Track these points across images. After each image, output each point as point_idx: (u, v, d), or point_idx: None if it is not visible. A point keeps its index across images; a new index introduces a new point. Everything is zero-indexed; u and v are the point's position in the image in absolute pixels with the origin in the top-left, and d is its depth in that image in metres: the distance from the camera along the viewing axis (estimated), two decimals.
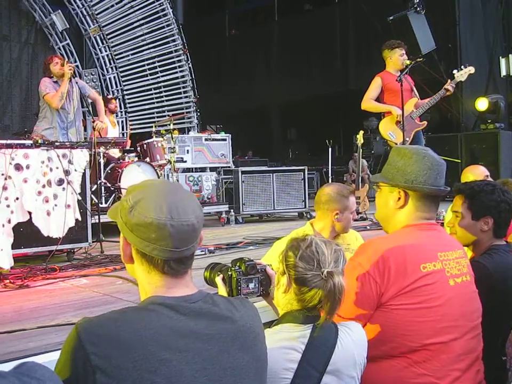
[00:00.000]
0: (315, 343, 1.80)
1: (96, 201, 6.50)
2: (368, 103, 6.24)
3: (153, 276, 1.46)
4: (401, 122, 6.00)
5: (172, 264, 1.44)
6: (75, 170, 5.25)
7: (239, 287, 2.05)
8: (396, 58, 6.19)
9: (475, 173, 4.77)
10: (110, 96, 9.63)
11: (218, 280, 2.09)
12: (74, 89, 6.47)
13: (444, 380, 2.03)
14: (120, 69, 12.77)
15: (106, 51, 12.69)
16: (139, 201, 1.43)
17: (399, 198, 2.25)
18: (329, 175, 11.73)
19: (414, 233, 2.22)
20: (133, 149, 8.07)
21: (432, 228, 2.25)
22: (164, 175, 8.47)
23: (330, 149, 11.42)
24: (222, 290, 2.06)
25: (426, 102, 6.21)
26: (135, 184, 1.53)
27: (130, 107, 12.88)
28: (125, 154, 7.65)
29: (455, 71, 6.34)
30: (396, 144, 6.07)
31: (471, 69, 6.24)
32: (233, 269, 2.07)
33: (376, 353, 2.06)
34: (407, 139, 6.02)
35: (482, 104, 10.97)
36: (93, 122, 6.22)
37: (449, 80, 6.25)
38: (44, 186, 5.00)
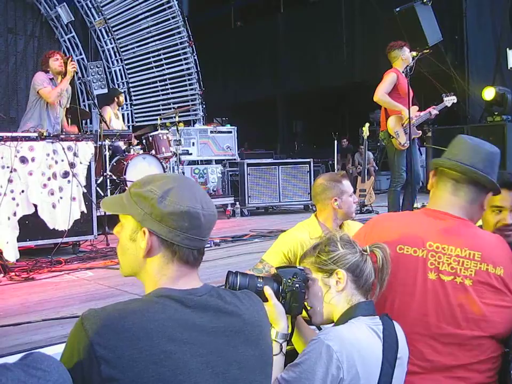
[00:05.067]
0: (386, 338, 1.75)
1: (102, 193, 6.51)
2: (383, 97, 6.17)
3: (171, 267, 1.45)
4: (408, 124, 6.09)
5: (195, 254, 1.46)
6: (80, 162, 5.25)
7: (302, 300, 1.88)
8: (407, 56, 6.23)
9: None
10: (124, 90, 9.64)
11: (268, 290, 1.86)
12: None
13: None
14: (126, 62, 12.74)
15: (111, 43, 12.66)
16: (170, 191, 1.43)
17: None
18: (335, 167, 11.71)
19: (416, 216, 2.18)
20: (138, 141, 8.07)
21: (441, 216, 2.09)
22: (170, 167, 8.47)
23: (336, 142, 11.40)
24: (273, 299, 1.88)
25: (422, 114, 6.34)
26: (149, 176, 1.51)
27: (135, 99, 12.85)
28: (130, 146, 7.64)
29: (443, 95, 6.60)
30: (400, 144, 6.13)
31: (454, 99, 6.54)
32: (294, 279, 1.87)
33: None
34: (408, 142, 6.12)
35: (489, 93, 10.88)
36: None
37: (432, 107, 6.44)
38: (49, 179, 5.00)
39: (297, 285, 1.86)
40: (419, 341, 1.96)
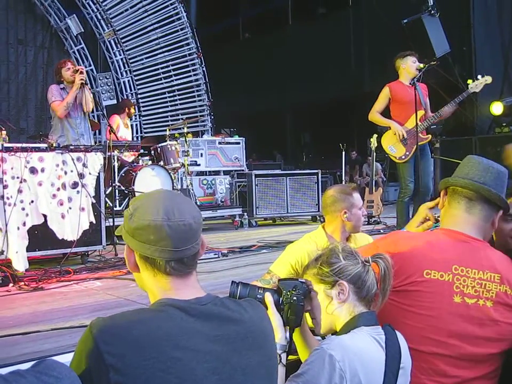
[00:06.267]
0: (388, 348, 1.75)
1: (111, 204, 6.54)
2: (374, 115, 6.25)
3: (160, 279, 1.49)
4: (404, 137, 6.01)
5: (173, 265, 1.47)
6: (89, 173, 5.29)
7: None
8: (409, 65, 6.10)
9: None
10: (133, 101, 9.77)
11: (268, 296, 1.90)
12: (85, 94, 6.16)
13: None
14: (134, 73, 12.83)
15: (120, 55, 12.76)
16: (138, 208, 1.50)
17: None
18: (343, 178, 11.71)
19: (436, 237, 2.17)
20: (146, 152, 8.11)
21: (462, 238, 2.11)
22: (178, 178, 8.50)
23: (344, 153, 11.41)
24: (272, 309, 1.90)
25: (433, 115, 6.10)
26: (136, 196, 1.59)
27: (144, 110, 12.93)
28: (139, 157, 7.68)
29: (470, 81, 6.06)
30: (396, 158, 6.09)
31: (488, 79, 5.96)
32: (293, 291, 1.88)
33: None
34: (408, 153, 6.01)
35: (497, 108, 10.89)
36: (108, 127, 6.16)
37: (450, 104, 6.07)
38: (58, 189, 5.04)
39: (295, 298, 1.87)
40: (441, 360, 1.99)
